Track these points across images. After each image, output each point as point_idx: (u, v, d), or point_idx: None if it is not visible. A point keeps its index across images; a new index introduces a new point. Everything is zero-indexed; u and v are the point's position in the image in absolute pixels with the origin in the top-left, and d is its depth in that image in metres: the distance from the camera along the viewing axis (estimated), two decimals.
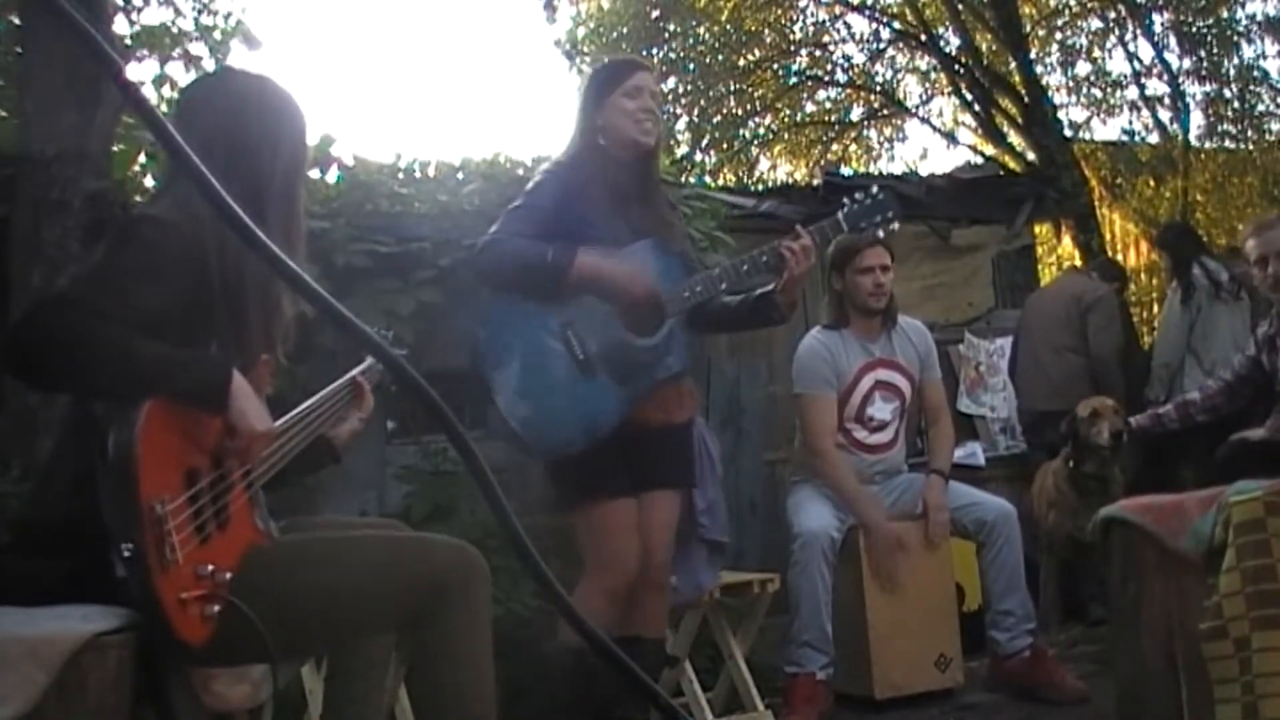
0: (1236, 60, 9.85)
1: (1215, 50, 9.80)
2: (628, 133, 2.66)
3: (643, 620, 2.69)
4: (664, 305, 2.61)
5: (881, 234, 2.78)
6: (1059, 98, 10.21)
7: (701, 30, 10.61)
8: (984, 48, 9.38)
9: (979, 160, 8.98)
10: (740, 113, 11.16)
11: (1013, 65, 8.65)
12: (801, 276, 2.64)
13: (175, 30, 4.97)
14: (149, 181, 3.88)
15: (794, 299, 2.71)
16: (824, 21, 11.05)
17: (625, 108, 2.66)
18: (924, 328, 3.71)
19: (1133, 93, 10.50)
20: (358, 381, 2.10)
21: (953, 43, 9.67)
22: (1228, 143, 10.11)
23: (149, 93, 4.76)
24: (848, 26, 10.98)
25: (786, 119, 11.53)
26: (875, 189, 2.77)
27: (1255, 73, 9.89)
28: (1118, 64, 12.77)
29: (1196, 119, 9.90)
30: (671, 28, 10.29)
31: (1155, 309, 8.39)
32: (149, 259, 1.58)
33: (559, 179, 2.66)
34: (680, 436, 2.77)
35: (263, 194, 1.75)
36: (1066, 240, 8.17)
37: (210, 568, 1.50)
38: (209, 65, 4.97)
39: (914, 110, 11.32)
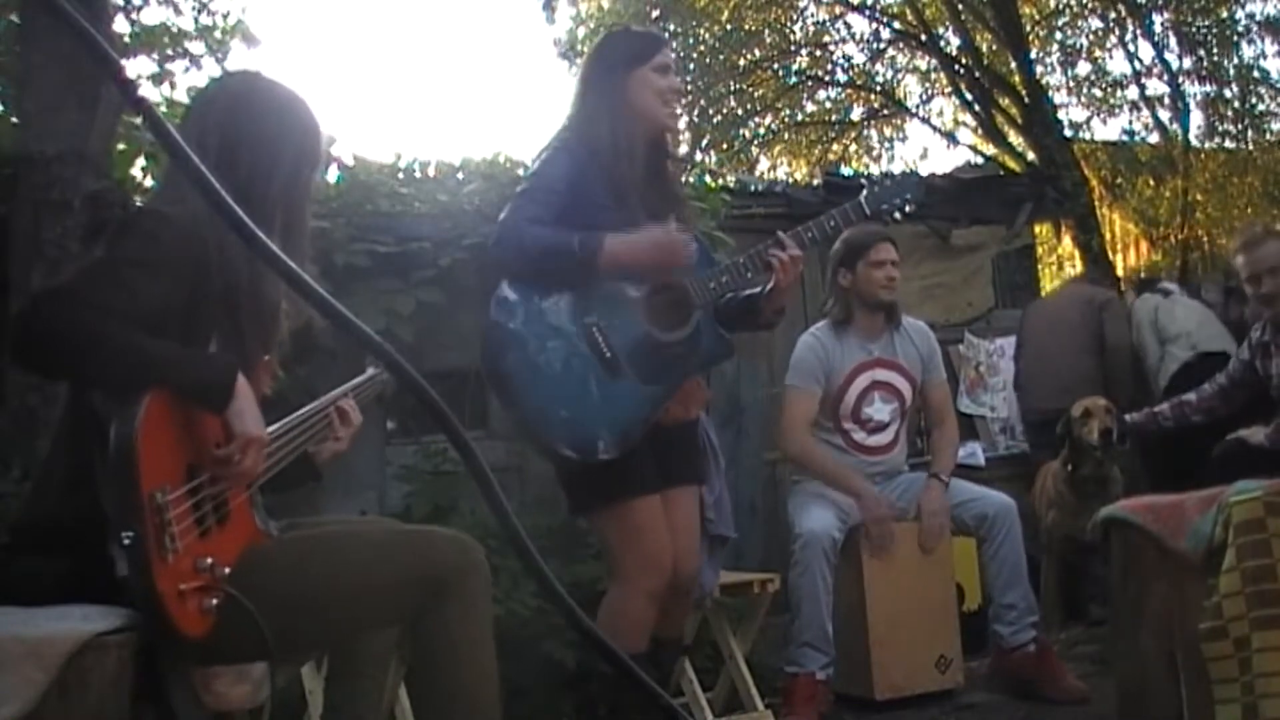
0: (1236, 60, 9.83)
1: (1215, 50, 9.78)
2: (653, 111, 2.52)
3: (667, 623, 2.63)
4: (691, 296, 2.51)
5: (899, 216, 2.73)
6: (1059, 98, 10.20)
7: (701, 30, 10.59)
8: (984, 48, 9.36)
9: (979, 160, 8.97)
10: (740, 113, 11.14)
11: (1013, 65, 8.63)
12: (789, 287, 2.57)
13: (175, 30, 4.97)
14: (149, 181, 3.88)
15: (781, 306, 2.64)
16: (824, 21, 11.04)
17: (655, 85, 2.51)
18: (927, 329, 3.71)
19: (1133, 93, 10.49)
20: (340, 407, 2.02)
21: (953, 43, 9.65)
22: (1228, 143, 10.09)
23: (148, 91, 4.76)
24: (848, 26, 10.97)
25: (786, 119, 11.51)
26: (893, 173, 2.75)
27: (1255, 73, 9.87)
28: (1118, 64, 12.76)
29: (1196, 119, 9.89)
30: (671, 28, 10.26)
31: None
32: (150, 252, 1.58)
33: (571, 155, 2.50)
34: (694, 432, 2.71)
35: (261, 191, 1.75)
36: (1066, 240, 8.16)
37: (210, 561, 1.50)
38: (209, 65, 4.98)
39: (914, 110, 11.31)
